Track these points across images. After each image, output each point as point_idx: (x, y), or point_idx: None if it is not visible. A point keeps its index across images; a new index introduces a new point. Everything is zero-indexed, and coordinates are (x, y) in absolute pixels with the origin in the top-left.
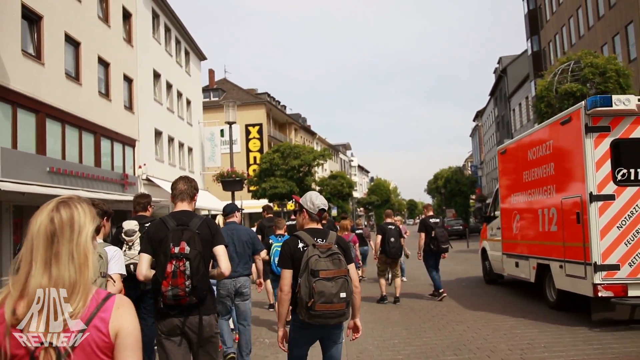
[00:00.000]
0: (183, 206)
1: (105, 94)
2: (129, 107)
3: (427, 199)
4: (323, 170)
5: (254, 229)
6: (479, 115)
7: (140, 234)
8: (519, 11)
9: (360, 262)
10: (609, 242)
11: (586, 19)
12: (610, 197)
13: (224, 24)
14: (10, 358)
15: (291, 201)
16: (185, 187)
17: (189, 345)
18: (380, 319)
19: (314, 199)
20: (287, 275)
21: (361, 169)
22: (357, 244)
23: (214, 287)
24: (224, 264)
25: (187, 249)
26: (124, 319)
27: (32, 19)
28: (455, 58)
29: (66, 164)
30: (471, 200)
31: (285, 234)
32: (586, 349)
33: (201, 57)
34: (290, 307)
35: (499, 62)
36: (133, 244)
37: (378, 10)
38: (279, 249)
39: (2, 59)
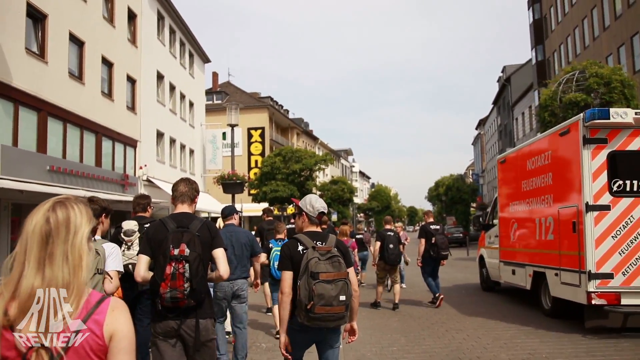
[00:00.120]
0: (183, 208)
1: (108, 94)
2: (132, 107)
3: (428, 206)
4: (324, 175)
5: (252, 232)
6: (481, 123)
7: (139, 235)
8: (524, 20)
9: (359, 267)
10: (603, 251)
11: (591, 30)
12: (606, 208)
13: (228, 27)
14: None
15: (291, 205)
16: (186, 189)
17: (185, 348)
18: (378, 326)
19: (314, 202)
20: (287, 276)
21: (362, 174)
22: (356, 250)
23: (211, 290)
24: (223, 267)
25: (187, 251)
26: (118, 321)
27: (36, 18)
28: (459, 66)
29: (67, 163)
30: (472, 208)
31: (285, 238)
32: None
33: (205, 59)
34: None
35: (502, 71)
36: (132, 244)
37: (383, 17)
38: (279, 253)
39: (6, 57)
